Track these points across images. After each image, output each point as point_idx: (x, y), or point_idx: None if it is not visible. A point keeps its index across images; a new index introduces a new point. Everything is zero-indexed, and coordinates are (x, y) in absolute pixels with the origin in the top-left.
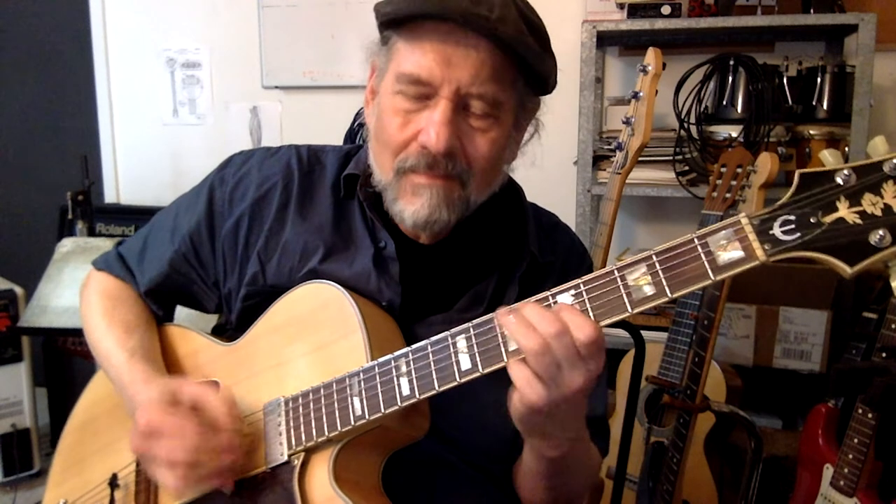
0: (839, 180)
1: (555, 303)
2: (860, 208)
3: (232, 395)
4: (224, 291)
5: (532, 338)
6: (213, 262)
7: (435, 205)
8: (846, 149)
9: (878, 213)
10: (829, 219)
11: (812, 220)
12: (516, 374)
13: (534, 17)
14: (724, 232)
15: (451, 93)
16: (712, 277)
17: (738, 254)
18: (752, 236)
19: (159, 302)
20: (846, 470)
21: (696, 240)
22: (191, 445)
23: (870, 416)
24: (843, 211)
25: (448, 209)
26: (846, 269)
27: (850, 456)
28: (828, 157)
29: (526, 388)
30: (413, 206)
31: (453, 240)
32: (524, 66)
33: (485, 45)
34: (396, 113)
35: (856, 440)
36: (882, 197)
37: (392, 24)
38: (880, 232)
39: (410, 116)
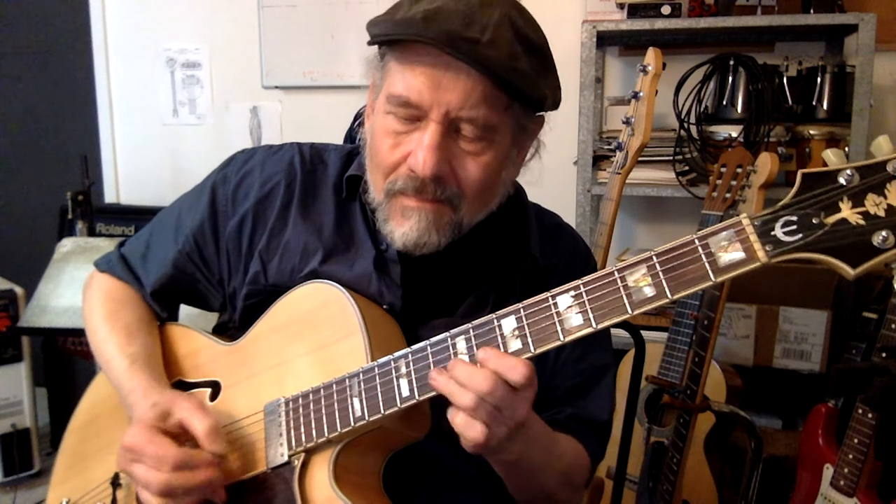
0: (842, 180)
1: (554, 304)
2: (863, 209)
3: (216, 423)
4: (228, 290)
5: (465, 396)
6: (217, 260)
7: (424, 228)
8: (846, 149)
9: (882, 213)
10: (831, 220)
11: (814, 221)
12: (456, 421)
13: (532, 33)
14: (725, 233)
15: (440, 116)
16: (713, 279)
17: (739, 255)
18: (753, 237)
19: (164, 303)
20: (846, 470)
21: (696, 241)
22: (165, 474)
23: (870, 416)
24: (846, 212)
25: (438, 233)
26: (849, 271)
27: (850, 456)
28: (831, 157)
29: (468, 431)
30: (402, 228)
31: (455, 243)
32: (515, 91)
33: (476, 68)
34: (387, 134)
35: (856, 440)
36: (886, 197)
37: (384, 43)
38: (883, 233)
39: (401, 138)
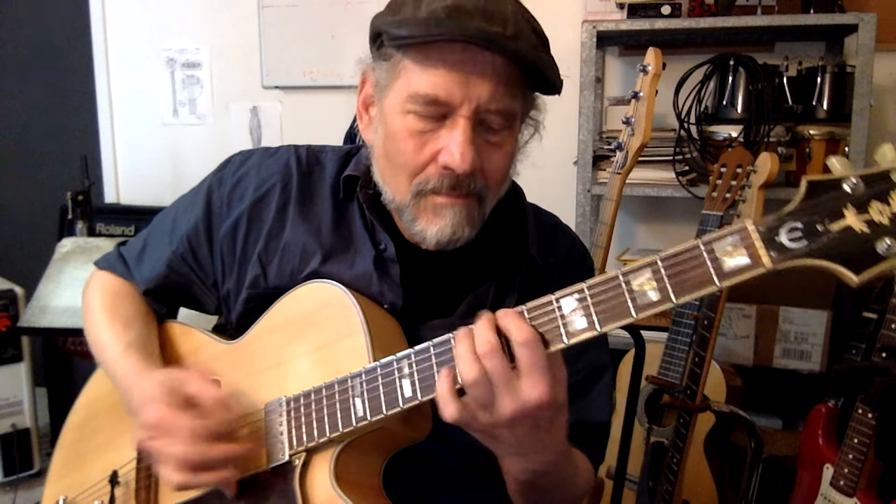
0: (847, 188)
1: (559, 307)
2: (867, 217)
3: (229, 392)
4: (222, 292)
5: (470, 365)
6: (212, 263)
7: (457, 223)
8: (846, 149)
9: (886, 221)
10: (835, 227)
11: (819, 228)
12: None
13: (537, 24)
14: (730, 238)
15: (470, 111)
16: (718, 284)
17: (744, 261)
18: (758, 244)
19: (160, 301)
20: (846, 470)
21: (701, 246)
22: (192, 447)
23: (870, 416)
24: (851, 219)
25: (470, 226)
26: (853, 278)
27: (850, 456)
28: (836, 165)
29: (442, 408)
30: (435, 225)
31: None
32: (535, 76)
33: (500, 61)
34: (411, 135)
35: (856, 440)
36: (889, 205)
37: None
38: (887, 240)
39: (426, 137)
